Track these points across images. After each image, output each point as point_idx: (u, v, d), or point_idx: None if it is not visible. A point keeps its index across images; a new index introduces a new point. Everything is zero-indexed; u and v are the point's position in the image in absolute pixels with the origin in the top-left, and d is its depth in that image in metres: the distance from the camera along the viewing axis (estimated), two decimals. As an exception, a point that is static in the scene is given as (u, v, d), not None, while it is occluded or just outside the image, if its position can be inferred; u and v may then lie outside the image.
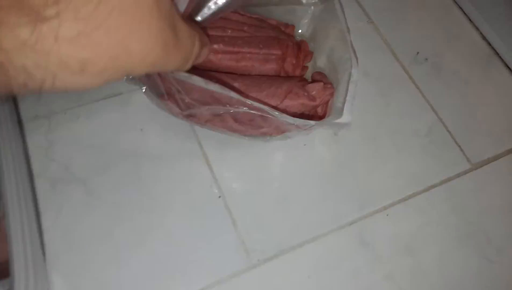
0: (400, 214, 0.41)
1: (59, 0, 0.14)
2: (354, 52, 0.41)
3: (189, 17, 0.32)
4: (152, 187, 0.39)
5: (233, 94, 0.33)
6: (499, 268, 0.40)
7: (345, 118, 0.38)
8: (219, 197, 0.40)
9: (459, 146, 0.45)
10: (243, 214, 0.39)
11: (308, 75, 0.45)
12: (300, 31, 0.47)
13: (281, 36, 0.44)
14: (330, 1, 0.43)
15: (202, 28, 0.34)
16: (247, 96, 0.39)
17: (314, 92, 0.39)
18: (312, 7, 0.46)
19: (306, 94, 0.39)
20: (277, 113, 0.34)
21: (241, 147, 0.42)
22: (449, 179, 0.44)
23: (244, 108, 0.35)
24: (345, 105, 0.38)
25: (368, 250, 0.39)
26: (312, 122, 0.37)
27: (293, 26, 0.47)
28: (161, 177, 0.40)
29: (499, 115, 0.48)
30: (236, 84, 0.40)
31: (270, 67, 0.42)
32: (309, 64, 0.46)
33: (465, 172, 0.44)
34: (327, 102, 0.42)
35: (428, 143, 0.45)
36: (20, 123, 0.41)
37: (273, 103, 0.39)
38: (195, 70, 0.41)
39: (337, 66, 0.42)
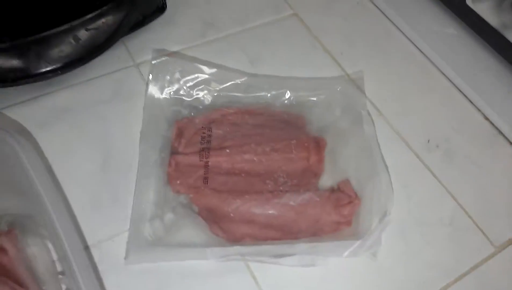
0: (438, 309, 0.44)
1: None
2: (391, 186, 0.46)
3: None
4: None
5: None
6: None
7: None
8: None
9: (482, 231, 0.49)
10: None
11: (328, 176, 0.49)
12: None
13: (302, 135, 0.49)
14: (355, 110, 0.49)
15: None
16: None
17: (346, 213, 0.44)
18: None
19: (338, 214, 0.44)
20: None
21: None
22: (476, 266, 0.47)
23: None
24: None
25: None
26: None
27: (303, 117, 0.52)
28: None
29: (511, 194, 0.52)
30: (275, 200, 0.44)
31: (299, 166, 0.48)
32: (327, 161, 0.50)
33: (491, 256, 0.47)
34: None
35: (453, 231, 0.48)
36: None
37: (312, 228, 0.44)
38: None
39: (365, 185, 0.47)
